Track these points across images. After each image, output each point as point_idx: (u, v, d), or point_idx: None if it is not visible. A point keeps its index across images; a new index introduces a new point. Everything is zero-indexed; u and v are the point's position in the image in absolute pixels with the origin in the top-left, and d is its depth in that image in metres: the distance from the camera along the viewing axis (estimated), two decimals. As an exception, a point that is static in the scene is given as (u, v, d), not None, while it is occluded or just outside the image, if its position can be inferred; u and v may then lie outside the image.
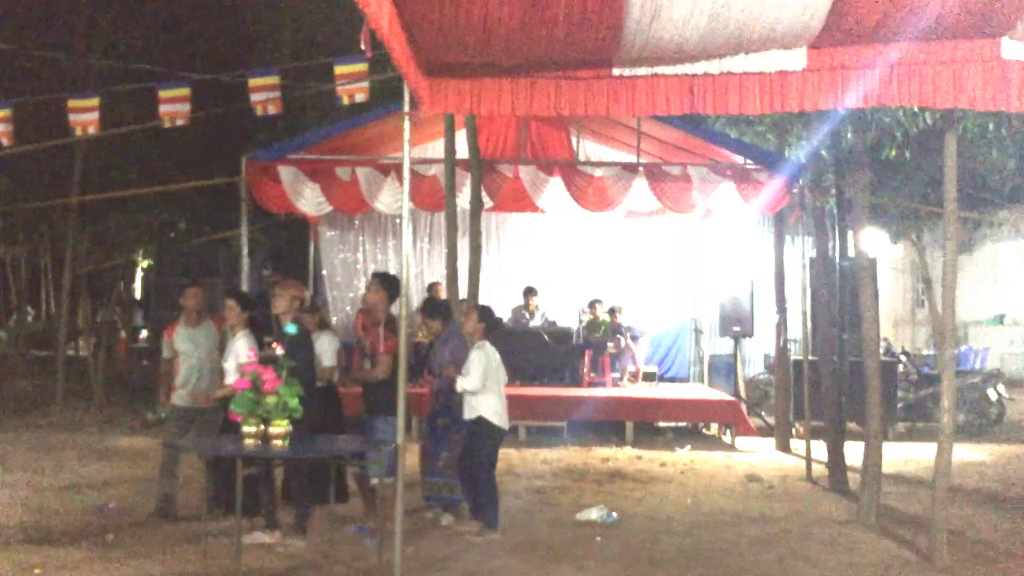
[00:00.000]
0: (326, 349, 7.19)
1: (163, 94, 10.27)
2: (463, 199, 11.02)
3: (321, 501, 7.09)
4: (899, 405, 12.53)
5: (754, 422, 12.72)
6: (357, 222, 15.06)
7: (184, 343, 7.48)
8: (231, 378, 6.80)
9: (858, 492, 8.04)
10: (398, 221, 14.40)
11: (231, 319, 7.03)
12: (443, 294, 12.37)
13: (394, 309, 7.14)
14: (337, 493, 7.31)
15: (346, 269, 15.19)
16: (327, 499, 7.19)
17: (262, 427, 5.77)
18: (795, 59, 5.75)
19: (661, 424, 12.68)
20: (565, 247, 15.13)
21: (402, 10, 5.00)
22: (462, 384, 7.00)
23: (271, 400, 5.73)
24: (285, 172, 12.27)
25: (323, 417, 6.84)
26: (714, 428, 12.75)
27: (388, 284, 7.23)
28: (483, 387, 7.00)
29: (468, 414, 7.06)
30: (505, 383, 7.34)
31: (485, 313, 7.49)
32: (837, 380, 9.34)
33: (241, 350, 6.82)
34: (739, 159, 12.42)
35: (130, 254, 18.57)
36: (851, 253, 9.76)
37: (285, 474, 6.95)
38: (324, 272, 14.96)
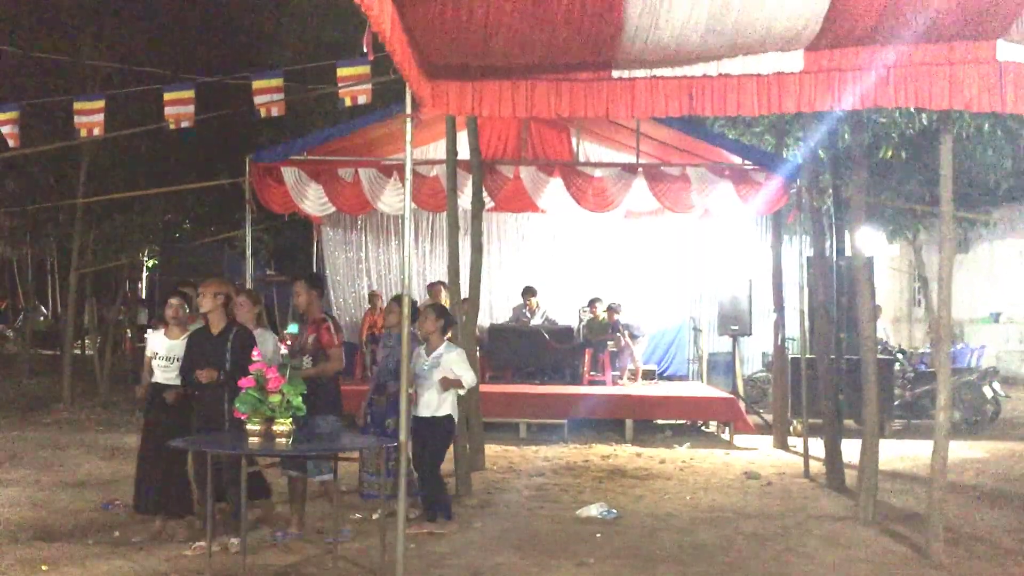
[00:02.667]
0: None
1: (168, 96, 10.38)
2: (464, 200, 11.10)
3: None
4: (896, 403, 12.60)
5: (752, 420, 12.79)
6: (360, 222, 15.16)
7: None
8: (175, 376, 6.78)
9: (855, 489, 8.11)
10: (400, 221, 14.48)
11: (180, 317, 6.91)
12: (442, 295, 12.51)
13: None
14: (255, 489, 7.02)
15: (349, 269, 15.29)
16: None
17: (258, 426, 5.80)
18: (792, 61, 5.82)
19: (660, 422, 12.77)
20: (565, 247, 15.22)
21: (404, 13, 5.07)
22: (468, 383, 7.18)
23: (275, 398, 5.80)
24: (288, 173, 12.37)
25: None
26: (713, 426, 12.84)
27: (314, 283, 7.23)
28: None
29: (432, 411, 7.13)
30: None
31: (443, 312, 7.55)
32: (834, 378, 9.41)
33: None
34: (737, 160, 12.50)
35: (135, 254, 18.61)
36: (848, 252, 9.84)
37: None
38: (327, 272, 15.06)
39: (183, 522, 6.87)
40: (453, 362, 7.21)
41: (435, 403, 7.17)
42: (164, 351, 6.91)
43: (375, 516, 7.31)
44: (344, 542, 6.64)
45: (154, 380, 6.92)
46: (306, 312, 7.14)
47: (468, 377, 7.24)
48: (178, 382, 6.78)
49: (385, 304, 14.11)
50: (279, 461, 6.87)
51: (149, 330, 7.56)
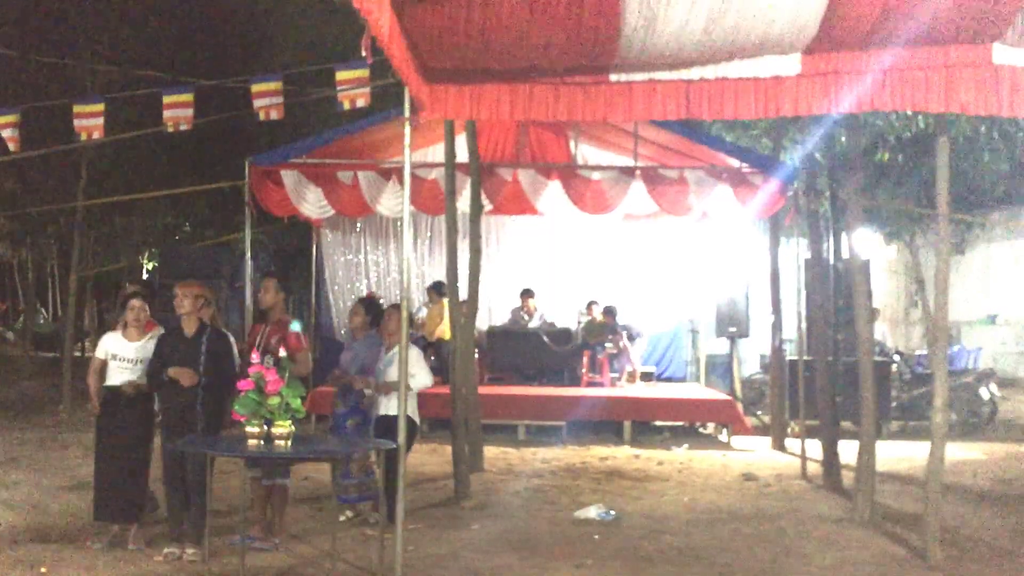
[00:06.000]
0: None
1: (167, 99, 10.38)
2: (463, 202, 11.13)
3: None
4: (893, 404, 12.64)
5: (750, 421, 12.83)
6: (359, 225, 15.18)
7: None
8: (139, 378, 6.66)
9: (852, 490, 8.15)
10: (399, 224, 14.52)
11: (143, 319, 6.75)
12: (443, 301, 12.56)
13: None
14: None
15: (348, 271, 15.31)
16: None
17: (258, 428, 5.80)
18: (789, 64, 5.85)
19: (658, 423, 12.79)
20: (564, 249, 15.24)
21: (402, 17, 5.10)
22: (418, 385, 7.14)
23: (274, 401, 5.82)
24: (288, 176, 12.39)
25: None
26: (711, 427, 12.86)
27: (283, 285, 7.32)
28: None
29: (387, 410, 7.10)
30: None
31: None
32: (831, 380, 9.44)
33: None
34: (735, 163, 12.53)
35: (135, 257, 18.65)
36: (845, 255, 9.87)
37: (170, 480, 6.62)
38: (326, 274, 15.09)
39: (142, 528, 6.77)
40: (409, 361, 7.17)
41: (389, 402, 7.15)
42: (128, 353, 6.69)
43: (342, 518, 7.39)
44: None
45: (108, 383, 6.70)
46: (269, 311, 7.12)
47: (419, 377, 7.15)
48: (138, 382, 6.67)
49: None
50: (245, 461, 6.61)
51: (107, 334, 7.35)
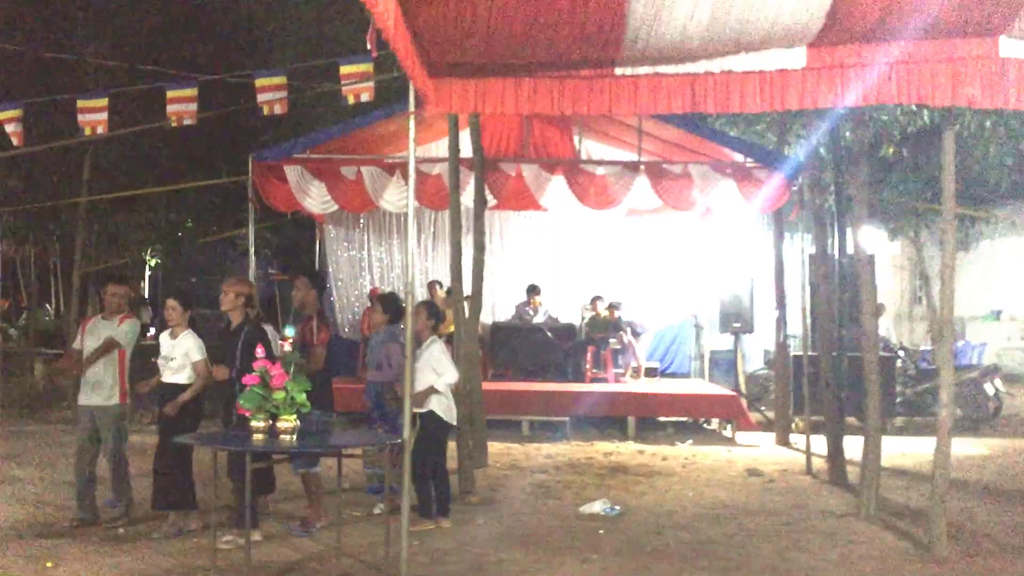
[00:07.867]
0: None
1: (171, 94, 10.33)
2: (467, 197, 11.12)
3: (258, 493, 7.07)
4: (897, 400, 12.62)
5: (754, 417, 12.82)
6: (362, 220, 15.16)
7: (88, 338, 7.35)
8: (172, 375, 6.90)
9: (857, 485, 8.14)
10: (402, 219, 14.51)
11: (174, 319, 6.96)
12: (439, 293, 12.51)
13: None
14: (264, 485, 7.20)
15: (352, 267, 15.29)
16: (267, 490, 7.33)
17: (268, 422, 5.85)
18: (795, 58, 5.84)
19: (662, 419, 12.79)
20: (568, 244, 15.21)
21: (407, 11, 5.09)
22: (444, 382, 7.12)
23: (279, 395, 5.81)
24: (291, 171, 12.37)
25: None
26: (715, 423, 12.85)
27: (316, 281, 7.38)
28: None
29: (417, 407, 7.05)
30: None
31: (432, 310, 7.53)
32: (836, 375, 9.43)
33: (192, 347, 6.85)
34: (739, 157, 12.49)
35: (139, 253, 18.61)
36: (850, 250, 9.85)
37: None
38: (330, 270, 15.06)
39: (192, 515, 6.98)
40: (434, 358, 7.16)
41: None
42: (164, 351, 7.02)
43: (376, 511, 7.41)
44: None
45: (163, 380, 7.01)
46: (301, 307, 7.21)
47: (448, 376, 7.16)
48: (172, 380, 6.93)
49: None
50: (288, 459, 6.95)
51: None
